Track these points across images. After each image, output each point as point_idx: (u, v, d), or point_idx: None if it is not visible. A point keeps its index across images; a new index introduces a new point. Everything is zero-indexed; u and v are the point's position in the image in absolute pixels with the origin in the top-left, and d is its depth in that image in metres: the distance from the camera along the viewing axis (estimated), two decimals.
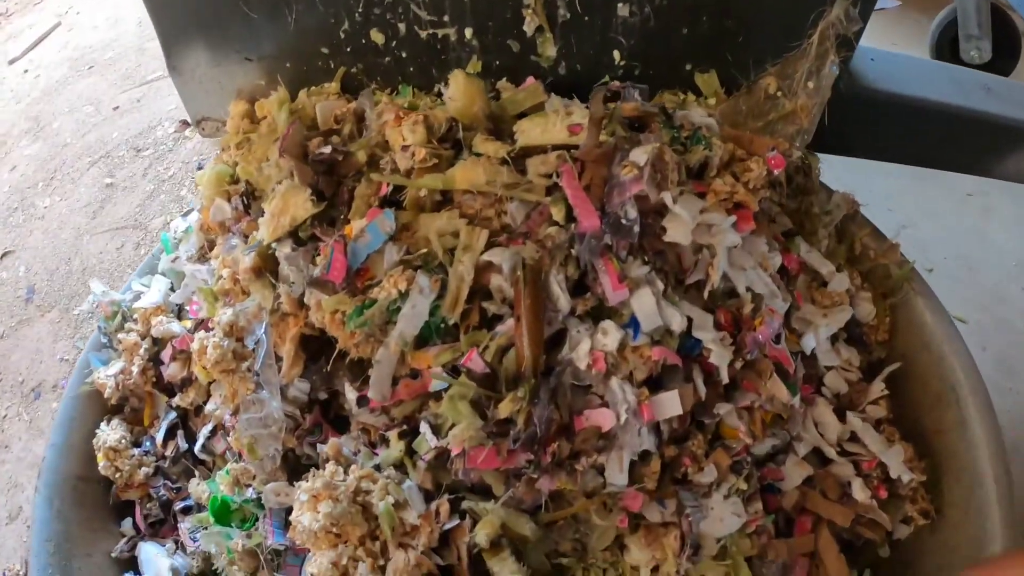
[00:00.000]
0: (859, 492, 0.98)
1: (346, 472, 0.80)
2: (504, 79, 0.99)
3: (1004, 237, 1.99)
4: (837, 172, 1.19)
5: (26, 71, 3.13)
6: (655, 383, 0.82)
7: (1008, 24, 2.27)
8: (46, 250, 2.21)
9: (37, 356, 1.96)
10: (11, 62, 3.18)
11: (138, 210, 2.22)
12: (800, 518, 0.98)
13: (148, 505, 1.01)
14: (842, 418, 1.01)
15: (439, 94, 1.00)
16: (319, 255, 0.84)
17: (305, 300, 0.84)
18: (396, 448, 0.79)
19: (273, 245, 0.88)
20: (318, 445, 0.86)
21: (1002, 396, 1.71)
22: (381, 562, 0.75)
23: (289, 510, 0.81)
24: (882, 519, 0.98)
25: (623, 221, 0.77)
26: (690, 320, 0.82)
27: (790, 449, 0.98)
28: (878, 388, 1.05)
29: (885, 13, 2.63)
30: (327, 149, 0.90)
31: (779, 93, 0.93)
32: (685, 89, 1.00)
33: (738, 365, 0.86)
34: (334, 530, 0.75)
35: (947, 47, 2.36)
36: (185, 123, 2.45)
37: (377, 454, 0.82)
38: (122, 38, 3.09)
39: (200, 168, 2.18)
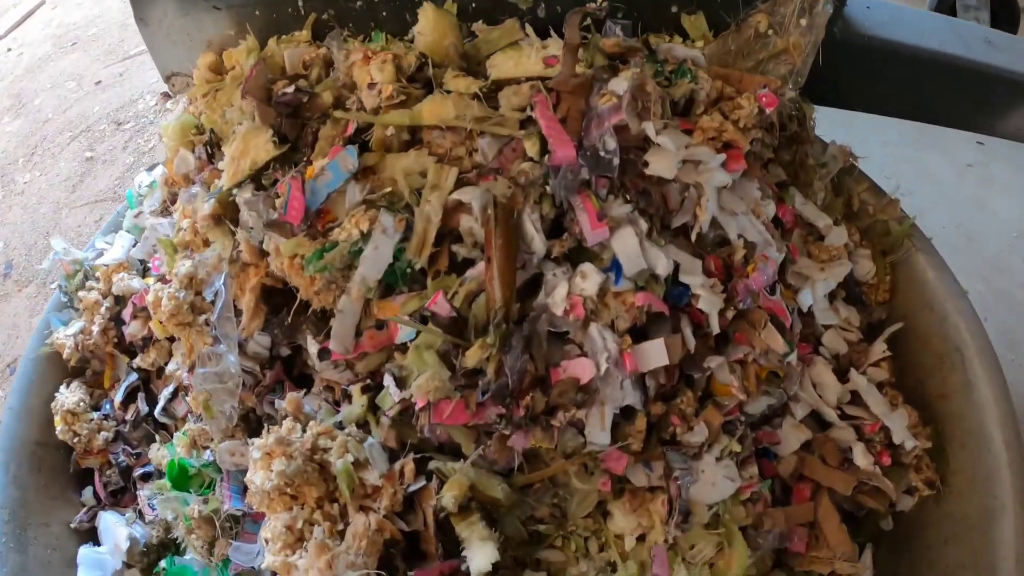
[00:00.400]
0: (861, 458, 0.93)
1: (304, 430, 0.75)
2: (480, 22, 0.94)
3: (1005, 207, 1.96)
4: (834, 136, 1.15)
5: (9, 50, 3.10)
6: (639, 333, 0.76)
7: None
8: (25, 225, 2.18)
9: (14, 331, 1.93)
10: None
11: (117, 183, 2.19)
12: (798, 485, 0.93)
13: (108, 472, 0.96)
14: (842, 380, 0.97)
15: (412, 40, 0.96)
16: (280, 198, 0.78)
17: (264, 246, 0.79)
18: (358, 403, 0.74)
19: (234, 191, 0.83)
20: (277, 402, 0.80)
21: (1004, 367, 1.67)
22: (340, 526, 0.70)
23: (246, 472, 0.76)
24: (886, 486, 0.93)
25: (602, 154, 0.72)
26: (677, 265, 0.77)
27: (787, 411, 0.92)
28: (880, 349, 1.00)
29: None
30: (291, 90, 0.85)
31: (770, 31, 0.87)
32: (671, 32, 0.95)
33: (729, 315, 0.80)
34: (289, 491, 0.69)
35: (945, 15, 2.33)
36: (166, 95, 2.40)
37: (340, 411, 0.77)
38: (106, 14, 3.07)
39: None
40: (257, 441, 0.72)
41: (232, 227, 0.83)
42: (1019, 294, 1.81)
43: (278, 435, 0.71)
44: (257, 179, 0.83)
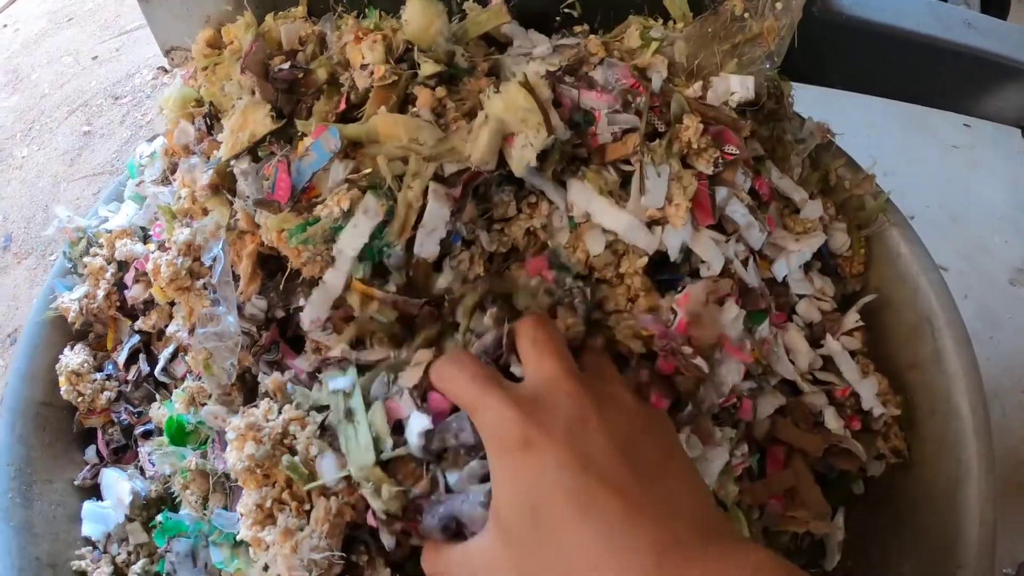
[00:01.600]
0: (832, 421, 0.96)
1: (280, 411, 0.78)
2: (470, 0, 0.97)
3: (989, 190, 1.99)
4: (819, 116, 1.18)
5: (5, 26, 3.10)
6: None
7: None
8: (23, 198, 2.20)
9: (14, 302, 1.96)
10: None
11: (115, 156, 2.22)
12: (772, 448, 0.96)
13: (110, 431, 1.00)
14: (816, 348, 1.00)
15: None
16: (268, 180, 0.81)
17: (256, 219, 0.82)
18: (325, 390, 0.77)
19: (231, 163, 0.86)
20: (261, 376, 0.84)
21: (982, 344, 1.71)
22: (308, 507, 0.72)
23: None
24: (855, 448, 0.96)
25: None
26: None
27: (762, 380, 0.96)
28: (852, 319, 1.04)
29: None
30: (287, 66, 0.88)
31: (746, 15, 0.90)
32: (654, 14, 0.97)
33: None
34: (259, 471, 0.73)
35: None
36: (163, 69, 2.40)
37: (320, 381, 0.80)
38: None
39: None
40: (232, 421, 0.75)
41: (229, 196, 0.86)
42: (999, 274, 1.84)
43: (249, 420, 0.74)
44: (254, 151, 0.86)
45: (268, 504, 0.72)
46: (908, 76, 1.19)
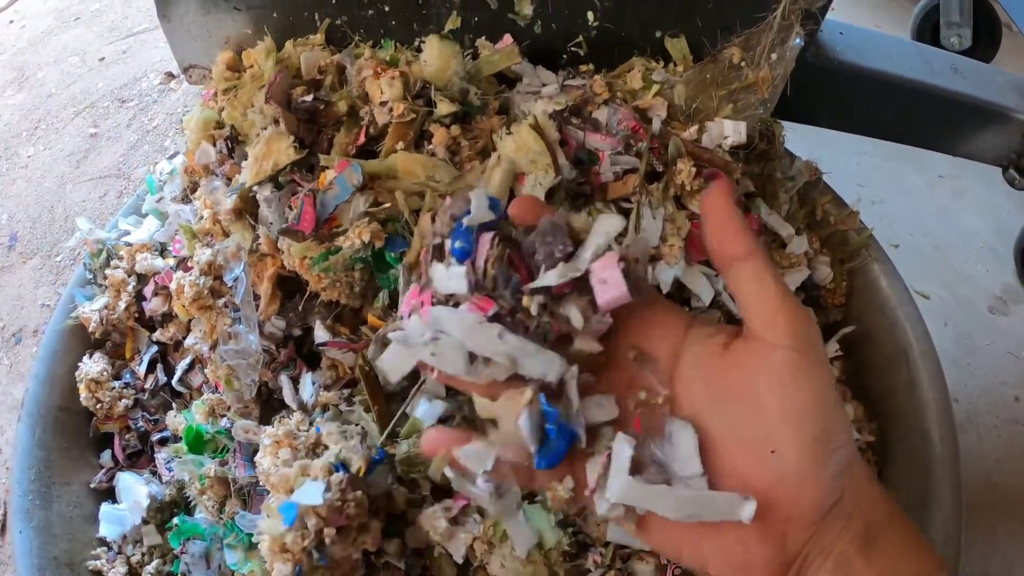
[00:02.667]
0: None
1: (311, 423, 0.83)
2: (483, 37, 1.02)
3: (973, 219, 2.05)
4: (811, 145, 1.23)
5: (11, 22, 3.11)
6: None
7: (989, 12, 2.31)
8: (29, 198, 2.22)
9: (19, 302, 1.98)
10: None
11: (122, 160, 2.24)
12: None
13: (127, 436, 1.05)
14: None
15: (418, 48, 1.03)
16: (293, 211, 0.87)
17: (279, 244, 0.87)
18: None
19: (254, 188, 0.91)
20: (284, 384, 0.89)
21: (960, 371, 1.77)
22: None
23: (257, 447, 0.85)
24: None
25: None
26: None
27: None
28: (832, 348, 1.10)
29: None
30: (309, 98, 0.93)
31: (743, 64, 0.96)
32: (656, 56, 1.03)
33: None
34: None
35: (928, 32, 2.40)
36: (170, 75, 2.46)
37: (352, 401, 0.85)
38: None
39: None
40: (269, 429, 0.80)
41: (252, 221, 0.91)
42: (980, 302, 1.90)
43: (287, 428, 0.79)
44: (275, 179, 0.91)
45: None
46: (895, 118, 1.25)
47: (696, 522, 0.50)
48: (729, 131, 0.93)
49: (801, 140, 1.16)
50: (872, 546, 0.49)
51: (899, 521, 0.52)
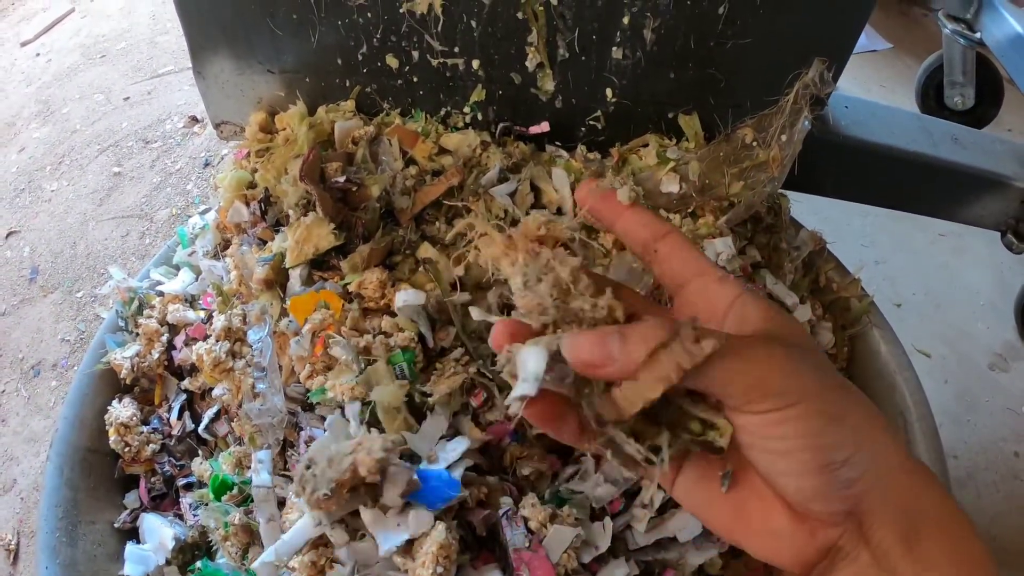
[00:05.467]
0: None
1: None
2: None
3: (974, 277, 2.09)
4: (816, 207, 1.28)
5: (38, 55, 3.18)
6: None
7: (992, 72, 2.37)
8: (51, 232, 2.27)
9: (38, 335, 2.03)
10: (23, 44, 3.24)
11: (144, 200, 2.30)
12: None
13: (152, 480, 1.09)
14: None
15: (444, 119, 1.10)
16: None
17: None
18: None
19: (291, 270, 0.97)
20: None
21: (961, 427, 1.81)
22: None
23: (283, 500, 0.89)
24: None
25: None
26: None
27: None
28: None
29: (877, 55, 2.73)
30: (342, 179, 0.98)
31: (755, 143, 1.01)
32: (670, 134, 1.09)
33: None
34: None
35: (932, 91, 2.46)
36: (194, 119, 2.53)
37: None
38: (134, 29, 3.16)
39: (207, 164, 2.26)
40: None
41: (281, 292, 0.97)
42: (980, 359, 1.94)
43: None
44: (314, 261, 0.97)
45: (322, 563, 0.81)
46: (897, 188, 1.30)
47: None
48: (721, 248, 0.99)
49: (807, 199, 1.21)
50: (914, 536, 0.46)
51: (947, 511, 0.48)
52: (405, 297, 0.86)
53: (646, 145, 1.06)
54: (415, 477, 0.74)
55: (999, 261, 2.11)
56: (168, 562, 1.01)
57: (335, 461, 0.71)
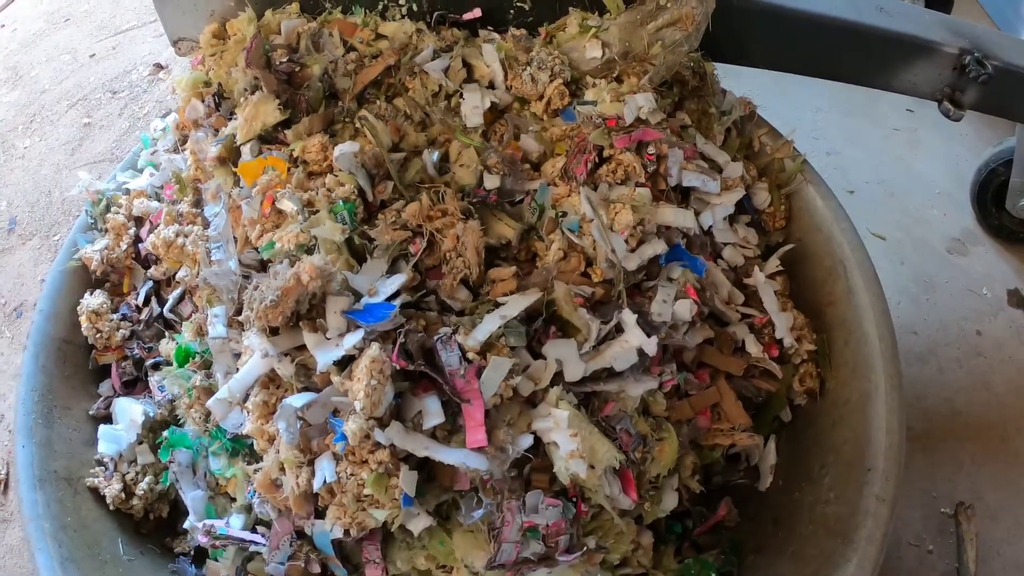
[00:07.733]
0: (752, 347, 1.12)
1: None
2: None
3: (929, 167, 2.10)
4: (766, 100, 1.31)
5: (3, 26, 3.18)
6: None
7: None
8: (27, 185, 2.31)
9: (19, 279, 2.07)
10: None
11: (115, 145, 2.33)
12: (699, 371, 1.12)
13: (123, 365, 1.14)
14: (741, 289, 1.16)
15: (383, 12, 1.15)
16: None
17: None
18: None
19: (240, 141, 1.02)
20: None
21: (919, 306, 1.84)
22: None
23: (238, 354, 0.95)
24: (774, 368, 1.12)
25: None
26: None
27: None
28: (774, 264, 1.19)
29: None
30: (286, 59, 1.04)
31: (668, 3, 1.05)
32: (594, 9, 1.13)
33: None
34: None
35: None
36: (159, 66, 2.56)
37: None
38: None
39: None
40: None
41: (233, 168, 1.02)
42: (936, 243, 1.96)
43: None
44: (261, 136, 1.03)
45: (273, 401, 0.87)
46: (824, 56, 1.31)
47: None
48: (642, 102, 1.04)
49: (762, 98, 1.25)
50: None
51: None
52: (342, 148, 0.92)
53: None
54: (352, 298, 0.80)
55: (955, 153, 2.12)
56: (139, 441, 1.06)
57: (280, 275, 0.76)
